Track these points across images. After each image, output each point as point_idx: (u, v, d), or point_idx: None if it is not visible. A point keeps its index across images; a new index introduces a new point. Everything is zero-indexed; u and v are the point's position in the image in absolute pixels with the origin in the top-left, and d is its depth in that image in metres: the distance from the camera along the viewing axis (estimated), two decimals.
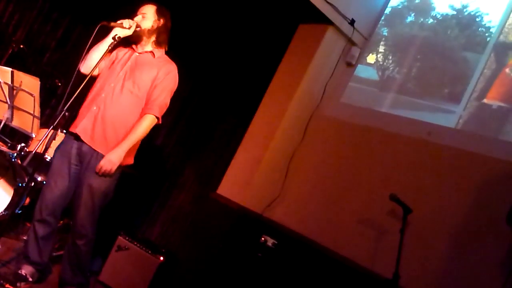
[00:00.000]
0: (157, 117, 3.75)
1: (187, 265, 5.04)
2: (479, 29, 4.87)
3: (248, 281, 4.64)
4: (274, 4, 5.38)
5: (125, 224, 5.63)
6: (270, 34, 5.93)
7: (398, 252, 3.74)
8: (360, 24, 5.39)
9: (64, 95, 5.48)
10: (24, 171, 4.49)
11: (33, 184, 4.52)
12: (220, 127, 6.41)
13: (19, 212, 4.52)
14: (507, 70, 4.44)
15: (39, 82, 4.23)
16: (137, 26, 3.76)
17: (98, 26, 3.46)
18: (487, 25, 4.79)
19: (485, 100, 4.48)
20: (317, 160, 5.16)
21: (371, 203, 4.56)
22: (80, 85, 3.42)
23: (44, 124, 4.94)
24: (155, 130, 3.85)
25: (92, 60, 3.67)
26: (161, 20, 3.88)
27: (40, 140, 3.45)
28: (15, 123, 4.49)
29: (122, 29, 3.69)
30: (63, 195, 3.74)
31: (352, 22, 5.30)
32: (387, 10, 5.60)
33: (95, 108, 3.68)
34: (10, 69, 4.23)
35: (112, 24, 3.65)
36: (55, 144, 3.69)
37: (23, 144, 4.66)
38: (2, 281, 3.61)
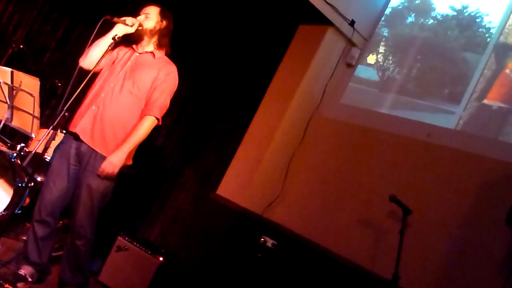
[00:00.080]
0: (157, 119, 3.76)
1: (187, 266, 5.04)
2: (479, 30, 4.87)
3: (248, 281, 4.63)
4: (274, 4, 5.38)
5: (125, 225, 5.63)
6: (270, 35, 5.93)
7: (398, 253, 3.74)
8: (360, 25, 5.39)
9: (63, 95, 5.50)
10: (23, 171, 4.48)
11: (32, 184, 4.52)
12: (220, 128, 6.41)
13: (19, 212, 4.52)
14: (507, 71, 4.43)
15: (39, 82, 4.22)
16: (140, 25, 3.76)
17: (102, 20, 3.47)
18: (487, 26, 4.79)
19: (485, 101, 4.48)
20: (317, 161, 5.15)
21: (371, 204, 4.56)
22: (80, 85, 3.43)
23: (43, 124, 4.93)
24: (155, 130, 3.85)
25: (92, 56, 3.68)
26: (164, 22, 3.88)
27: (40, 140, 3.45)
28: (14, 123, 4.49)
29: (125, 26, 3.69)
30: (62, 195, 3.73)
31: (352, 23, 5.30)
32: (387, 11, 5.59)
33: (94, 107, 3.68)
34: (10, 69, 4.23)
35: (115, 19, 3.64)
36: (54, 144, 3.69)
37: (22, 144, 4.65)
38: (1, 281, 3.61)
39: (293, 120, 5.30)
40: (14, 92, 4.27)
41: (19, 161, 4.56)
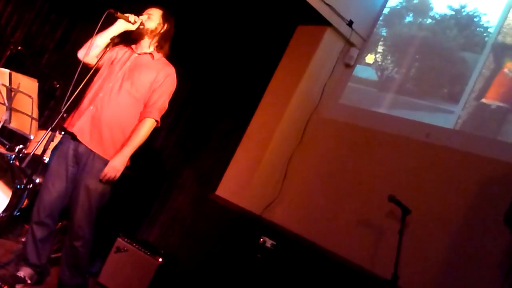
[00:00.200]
0: (156, 121, 3.76)
1: (186, 266, 5.04)
2: (478, 29, 4.87)
3: (247, 282, 4.63)
4: (272, 5, 5.38)
5: (124, 226, 5.63)
6: (268, 36, 5.93)
7: (397, 252, 3.74)
8: (359, 25, 5.39)
9: (62, 96, 5.51)
10: (22, 173, 4.48)
11: (31, 186, 4.51)
12: (219, 128, 6.41)
13: (18, 214, 4.51)
14: (505, 70, 4.44)
15: (37, 84, 4.22)
16: (141, 24, 3.77)
17: (106, 13, 3.47)
18: (485, 25, 4.79)
19: (483, 100, 4.48)
20: (315, 161, 5.16)
21: (369, 204, 4.56)
22: (79, 85, 3.43)
23: (42, 125, 4.93)
24: (154, 131, 3.84)
25: (91, 49, 3.67)
26: (166, 25, 3.89)
27: (39, 142, 3.45)
28: (13, 125, 4.49)
29: (126, 22, 3.69)
30: (61, 197, 3.73)
31: (350, 23, 5.31)
32: (386, 11, 5.60)
33: (92, 107, 3.68)
34: (8, 71, 4.23)
35: (119, 14, 3.64)
36: (53, 145, 3.69)
37: (21, 146, 4.65)
38: (0, 283, 3.61)
39: (292, 120, 5.30)
40: (13, 93, 4.27)
41: (17, 163, 4.56)
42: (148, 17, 3.84)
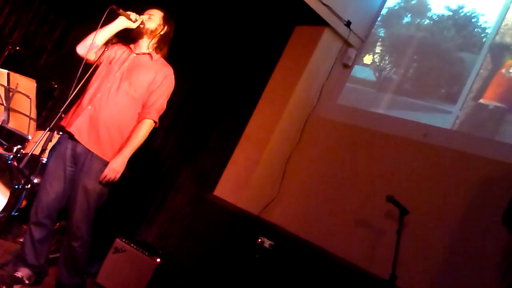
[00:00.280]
0: (155, 121, 3.77)
1: (185, 267, 5.04)
2: (475, 30, 4.87)
3: (246, 282, 4.64)
4: (270, 6, 5.39)
5: (122, 226, 5.63)
6: (266, 36, 5.94)
7: (395, 253, 3.75)
8: (357, 26, 5.40)
9: (60, 97, 5.52)
10: (20, 174, 4.48)
11: (29, 186, 4.51)
12: (217, 129, 6.41)
13: (16, 214, 4.51)
14: (503, 70, 4.44)
15: (35, 84, 4.22)
16: (142, 23, 3.77)
17: (108, 9, 3.48)
18: (483, 26, 4.80)
19: (481, 101, 4.49)
20: (314, 162, 5.16)
21: (367, 204, 4.57)
22: (78, 85, 3.44)
23: (40, 126, 4.93)
24: (152, 132, 3.85)
25: (90, 45, 3.68)
26: (166, 27, 3.89)
27: (37, 142, 3.45)
28: (11, 125, 4.49)
29: (127, 20, 3.70)
30: (59, 197, 3.73)
31: (348, 24, 5.32)
32: (384, 11, 5.60)
33: (90, 107, 3.67)
34: (6, 71, 4.23)
35: (121, 11, 3.64)
36: (51, 145, 3.69)
37: (19, 146, 4.65)
38: None
39: (290, 120, 5.30)
40: (11, 94, 4.27)
41: (15, 163, 4.55)
42: (149, 17, 3.84)
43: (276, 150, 5.25)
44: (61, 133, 3.87)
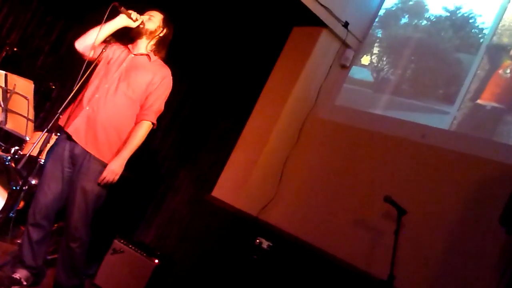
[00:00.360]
0: (153, 123, 3.78)
1: (183, 268, 5.04)
2: (473, 31, 4.88)
3: (244, 283, 4.63)
4: (268, 7, 5.39)
5: (120, 227, 5.62)
6: (264, 37, 5.94)
7: (393, 253, 3.75)
8: (354, 27, 5.41)
9: (58, 98, 5.52)
10: (18, 175, 4.48)
11: (27, 187, 4.51)
12: (215, 130, 6.42)
13: (13, 215, 4.50)
14: (500, 71, 4.45)
15: (33, 85, 4.22)
16: (142, 23, 3.78)
17: (111, 5, 3.49)
18: (480, 27, 4.80)
19: (479, 101, 4.49)
20: (311, 162, 5.16)
21: (365, 205, 4.57)
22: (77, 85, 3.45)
23: (38, 127, 4.92)
24: (150, 133, 3.85)
25: (89, 39, 3.67)
26: (165, 30, 3.90)
27: (34, 143, 3.44)
28: (9, 126, 4.48)
29: (128, 18, 3.70)
30: (57, 198, 3.72)
31: (346, 25, 5.32)
32: (381, 12, 5.61)
33: (88, 108, 3.67)
34: (4, 72, 4.22)
35: (122, 9, 3.65)
36: (48, 147, 3.69)
37: (17, 147, 4.65)
38: None
39: (288, 121, 5.30)
40: (8, 95, 4.27)
41: (13, 164, 4.55)
42: (149, 18, 3.85)
43: (274, 151, 5.25)
44: (58, 134, 3.87)
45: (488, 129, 4.33)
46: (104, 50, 3.71)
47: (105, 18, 3.54)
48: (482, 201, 4.00)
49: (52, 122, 3.43)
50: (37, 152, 3.52)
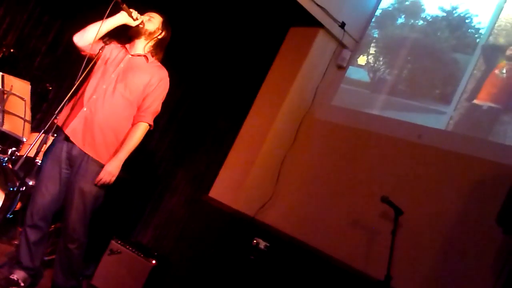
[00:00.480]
0: (150, 124, 3.78)
1: (180, 268, 5.04)
2: (469, 31, 4.89)
3: (241, 283, 4.64)
4: (265, 7, 5.39)
5: (118, 228, 5.62)
6: (261, 38, 5.94)
7: (390, 253, 3.76)
8: (351, 27, 5.41)
9: (55, 99, 5.51)
10: (15, 176, 4.47)
11: (24, 188, 4.50)
12: (212, 130, 6.41)
13: (11, 216, 4.50)
14: (496, 71, 4.46)
15: (29, 86, 4.22)
16: (142, 23, 3.77)
17: (113, 2, 3.49)
18: (476, 27, 4.82)
19: (475, 101, 4.51)
20: (308, 163, 5.17)
21: (363, 205, 4.58)
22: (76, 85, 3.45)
23: (35, 128, 4.91)
24: (147, 134, 3.85)
25: (88, 34, 3.67)
26: (163, 33, 3.90)
27: (31, 144, 3.44)
28: (6, 127, 4.47)
29: (128, 16, 3.70)
30: (54, 200, 3.72)
31: (342, 25, 5.33)
32: (378, 12, 5.62)
33: (86, 109, 3.67)
34: (0, 73, 4.22)
35: (124, 6, 3.64)
36: (46, 147, 3.69)
37: (14, 148, 4.64)
38: None
39: (285, 122, 5.31)
40: (5, 96, 4.26)
41: (10, 165, 4.54)
42: (149, 19, 3.85)
43: (271, 151, 5.26)
44: (55, 135, 3.86)
45: (485, 129, 4.34)
46: (101, 51, 3.71)
47: (106, 13, 3.54)
48: (478, 201, 4.01)
49: (49, 123, 3.42)
50: (34, 153, 3.51)
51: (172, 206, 6.30)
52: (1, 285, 3.65)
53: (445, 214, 4.12)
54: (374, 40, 5.62)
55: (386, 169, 4.60)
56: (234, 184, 5.22)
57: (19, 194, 4.39)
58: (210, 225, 5.18)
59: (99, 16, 3.65)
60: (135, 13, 3.73)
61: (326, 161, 5.05)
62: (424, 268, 4.03)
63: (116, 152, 3.70)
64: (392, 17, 5.61)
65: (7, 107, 4.34)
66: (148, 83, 3.76)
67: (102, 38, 3.72)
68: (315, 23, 5.22)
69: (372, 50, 5.60)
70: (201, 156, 6.37)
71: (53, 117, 3.43)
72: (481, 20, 4.78)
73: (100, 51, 3.70)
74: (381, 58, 5.51)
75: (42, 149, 3.53)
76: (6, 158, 4.53)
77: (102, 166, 3.65)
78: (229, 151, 5.50)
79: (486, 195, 3.97)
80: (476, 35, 4.78)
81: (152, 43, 3.87)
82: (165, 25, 3.92)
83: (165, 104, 3.90)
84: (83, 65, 3.52)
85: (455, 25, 5.01)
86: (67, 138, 3.67)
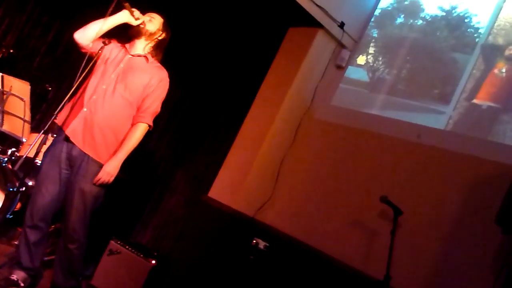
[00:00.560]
0: (149, 125, 3.78)
1: (179, 268, 5.04)
2: (468, 30, 4.90)
3: (240, 283, 4.64)
4: (264, 7, 5.39)
5: (117, 228, 5.62)
6: (260, 38, 5.94)
7: (389, 253, 3.76)
8: (350, 27, 5.41)
9: (54, 99, 5.51)
10: (15, 176, 4.47)
11: (24, 188, 4.50)
12: (211, 131, 6.41)
13: (10, 217, 4.50)
14: (495, 70, 4.47)
15: (29, 87, 4.22)
16: (143, 23, 3.78)
17: (115, 1, 3.49)
18: (475, 26, 4.82)
19: (474, 101, 4.51)
20: (308, 163, 5.17)
21: (362, 205, 4.58)
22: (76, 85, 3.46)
23: (34, 128, 4.91)
24: (146, 134, 3.86)
25: (89, 31, 3.67)
26: (163, 34, 3.90)
27: (31, 144, 3.44)
28: (5, 128, 4.47)
29: (130, 15, 3.70)
30: (54, 200, 3.72)
31: (341, 25, 5.33)
32: (377, 12, 5.62)
33: (85, 109, 3.67)
34: (0, 74, 4.22)
35: (127, 4, 3.65)
36: (45, 148, 3.69)
37: (13, 149, 4.64)
38: None
39: (284, 122, 5.31)
40: (5, 96, 4.26)
41: (10, 166, 4.55)
42: (150, 20, 3.85)
43: (270, 151, 5.26)
44: (55, 135, 3.86)
45: (484, 128, 4.34)
46: (101, 51, 3.71)
47: (109, 11, 3.54)
48: (478, 201, 4.01)
49: (49, 123, 3.42)
50: (34, 153, 3.51)
51: (171, 206, 6.31)
52: (1, 285, 3.65)
53: (444, 214, 4.12)
54: (373, 40, 5.62)
55: (385, 169, 4.60)
56: (233, 184, 5.22)
57: (19, 195, 4.39)
58: (209, 225, 5.18)
59: (98, 16, 3.66)
60: (137, 13, 3.73)
61: (325, 161, 5.05)
62: (423, 268, 4.03)
63: (116, 152, 3.70)
64: (391, 16, 5.61)
65: (6, 108, 4.34)
66: (148, 83, 3.76)
67: (102, 37, 3.72)
68: (314, 23, 5.22)
69: (371, 50, 5.61)
70: (201, 156, 6.38)
71: (53, 118, 3.44)
72: (480, 20, 4.78)
73: (100, 51, 3.70)
74: (380, 58, 5.51)
75: (42, 150, 3.53)
76: (5, 159, 4.53)
77: (102, 167, 3.66)
78: (228, 151, 5.50)
79: (485, 195, 3.97)
80: (475, 35, 4.78)
81: (152, 43, 3.87)
82: (165, 27, 3.93)
83: (164, 104, 3.90)
84: (83, 65, 3.52)
85: (454, 25, 5.01)
86: (67, 139, 3.67)
